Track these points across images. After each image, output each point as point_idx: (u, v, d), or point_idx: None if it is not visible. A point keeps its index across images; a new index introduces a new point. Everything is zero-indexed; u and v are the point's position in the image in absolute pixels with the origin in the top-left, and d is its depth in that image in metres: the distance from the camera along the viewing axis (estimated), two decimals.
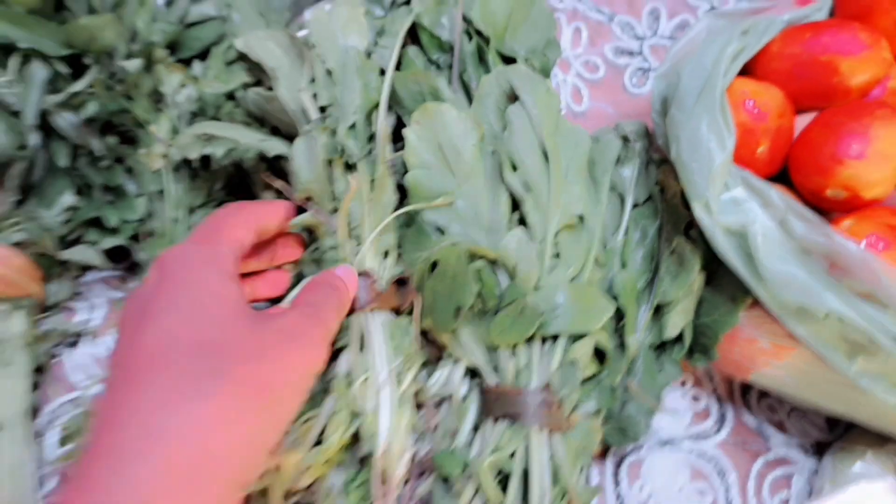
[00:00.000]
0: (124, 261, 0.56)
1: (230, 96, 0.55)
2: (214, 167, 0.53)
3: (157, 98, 0.53)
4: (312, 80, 0.44)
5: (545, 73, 0.56)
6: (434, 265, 0.45)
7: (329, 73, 0.43)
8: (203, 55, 0.58)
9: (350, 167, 0.45)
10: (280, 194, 0.51)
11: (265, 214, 0.42)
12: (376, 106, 0.46)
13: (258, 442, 0.32)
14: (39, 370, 0.51)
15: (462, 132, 0.48)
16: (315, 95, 0.45)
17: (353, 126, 0.44)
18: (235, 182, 0.56)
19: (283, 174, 0.52)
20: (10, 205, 0.50)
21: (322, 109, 0.45)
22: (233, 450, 0.30)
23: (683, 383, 0.56)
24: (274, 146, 0.47)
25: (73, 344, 0.54)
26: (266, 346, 0.33)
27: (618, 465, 0.53)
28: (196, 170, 0.53)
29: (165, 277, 0.34)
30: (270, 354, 0.33)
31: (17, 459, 0.47)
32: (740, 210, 0.45)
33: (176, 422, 0.29)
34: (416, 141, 0.47)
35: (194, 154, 0.48)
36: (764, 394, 0.56)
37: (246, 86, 0.56)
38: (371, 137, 0.46)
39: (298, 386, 0.35)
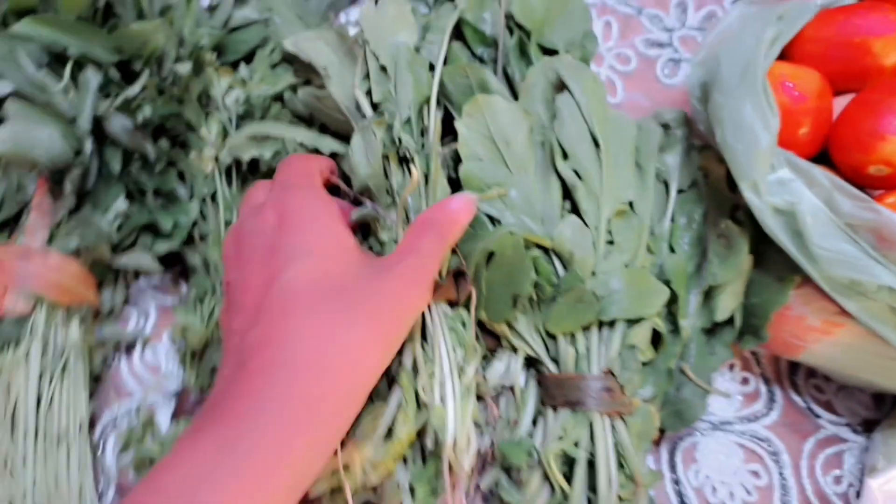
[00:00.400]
0: (174, 266, 0.56)
1: (276, 98, 0.56)
2: (263, 168, 0.54)
3: (206, 102, 0.54)
4: (366, 77, 0.45)
5: (585, 64, 0.57)
6: (490, 256, 0.46)
7: (383, 68, 0.44)
8: (247, 58, 0.59)
9: (405, 161, 0.45)
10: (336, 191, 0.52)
11: (327, 165, 0.47)
12: (427, 100, 0.47)
13: (380, 371, 0.37)
14: (96, 379, 0.52)
15: (512, 122, 0.49)
16: (369, 92, 0.45)
17: (407, 121, 0.44)
18: None
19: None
20: (65, 212, 0.50)
21: (374, 106, 0.45)
22: (372, 375, 0.36)
23: (731, 366, 0.57)
24: (328, 144, 0.48)
25: (128, 351, 0.55)
26: (386, 290, 0.37)
27: (672, 450, 0.54)
28: (246, 173, 0.54)
29: (290, 222, 0.38)
30: (391, 297, 0.37)
31: (80, 471, 0.47)
32: (787, 190, 0.46)
33: (332, 349, 0.34)
34: (467, 133, 0.48)
35: (247, 155, 0.49)
36: (811, 374, 0.56)
37: (292, 88, 0.57)
38: (423, 132, 0.47)
39: (409, 325, 0.40)
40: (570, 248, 0.46)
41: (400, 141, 0.44)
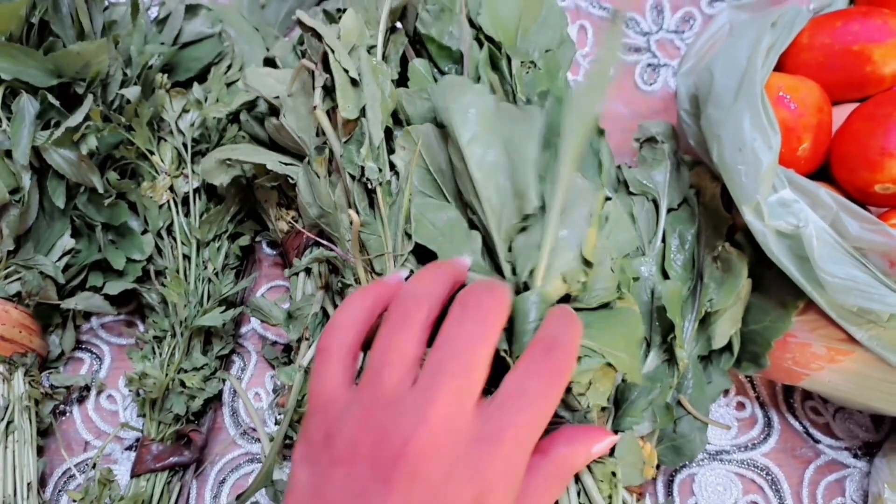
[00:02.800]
0: (127, 304, 0.52)
1: (232, 119, 0.52)
2: (221, 193, 0.50)
3: (157, 127, 0.50)
4: (331, 93, 0.40)
5: (561, 71, 0.54)
6: None
7: (353, 82, 0.39)
8: (200, 76, 0.55)
9: (369, 191, 0.41)
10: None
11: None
12: (391, 121, 0.43)
13: None
14: (44, 432, 0.47)
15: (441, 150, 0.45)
16: (330, 111, 0.41)
17: (372, 145, 0.40)
18: (246, 213, 0.53)
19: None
20: (3, 254, 0.45)
21: (347, 123, 0.41)
22: None
23: (726, 392, 0.54)
24: (295, 171, 0.44)
25: (80, 400, 0.50)
26: None
27: (669, 483, 0.51)
28: (206, 202, 0.50)
29: None
30: None
31: None
32: (790, 212, 0.43)
33: None
34: (403, 165, 0.43)
35: (219, 180, 0.45)
36: (807, 395, 0.54)
37: (248, 107, 0.53)
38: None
39: None
40: None
41: (363, 171, 0.40)
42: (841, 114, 0.48)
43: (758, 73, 0.45)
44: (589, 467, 0.39)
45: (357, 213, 0.40)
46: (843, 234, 0.41)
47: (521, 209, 0.38)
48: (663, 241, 0.50)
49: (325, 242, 0.41)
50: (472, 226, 0.41)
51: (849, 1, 0.54)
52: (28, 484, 0.42)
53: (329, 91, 0.41)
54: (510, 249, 0.39)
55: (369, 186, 0.40)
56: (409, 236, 0.40)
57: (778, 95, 0.47)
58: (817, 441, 0.52)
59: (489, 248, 0.40)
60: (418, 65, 0.48)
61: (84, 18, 0.48)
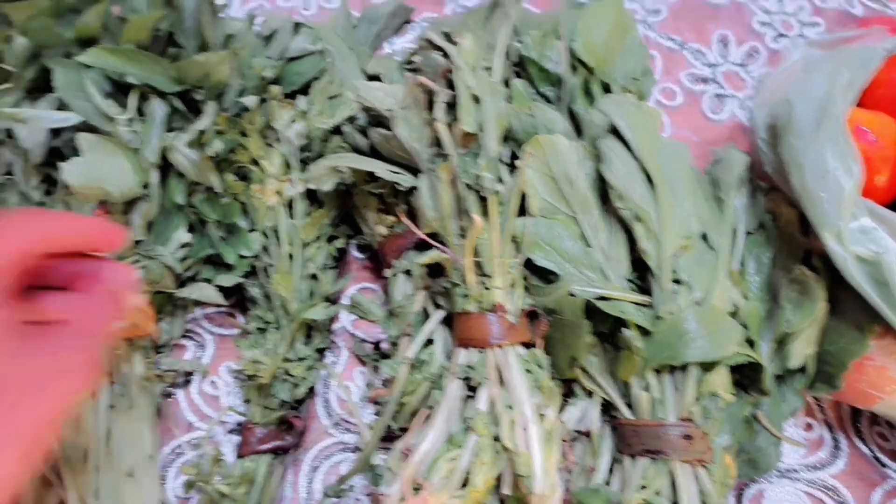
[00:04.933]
0: (230, 297, 0.55)
1: (333, 129, 0.56)
2: (320, 198, 0.54)
3: (265, 134, 0.54)
4: (450, 108, 0.44)
5: (642, 99, 0.57)
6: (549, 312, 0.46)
7: (475, 98, 0.43)
8: (302, 89, 0.59)
9: (483, 199, 0.45)
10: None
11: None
12: (505, 135, 0.46)
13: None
14: (156, 411, 0.50)
15: (575, 162, 0.49)
16: (450, 125, 0.44)
17: (489, 157, 0.44)
18: (341, 218, 0.56)
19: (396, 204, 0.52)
20: (129, 243, 0.49)
21: (464, 136, 0.44)
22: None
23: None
24: (406, 179, 0.48)
25: (186, 383, 0.53)
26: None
27: (739, 497, 0.53)
28: (308, 205, 0.53)
29: None
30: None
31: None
32: (870, 239, 0.45)
33: None
34: (530, 172, 0.48)
35: (327, 186, 0.48)
36: (874, 420, 0.55)
37: (349, 120, 0.56)
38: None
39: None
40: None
41: (478, 179, 0.44)
42: None
43: (838, 106, 0.47)
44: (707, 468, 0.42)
45: (472, 219, 0.43)
46: None
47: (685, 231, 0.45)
48: (742, 264, 0.52)
49: (438, 245, 0.45)
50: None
51: None
52: (150, 456, 0.45)
53: (448, 106, 0.45)
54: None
55: (483, 195, 0.43)
56: (517, 244, 0.44)
57: (856, 128, 0.49)
58: (885, 465, 0.54)
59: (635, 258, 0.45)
60: (519, 85, 0.52)
61: (209, 31, 0.52)
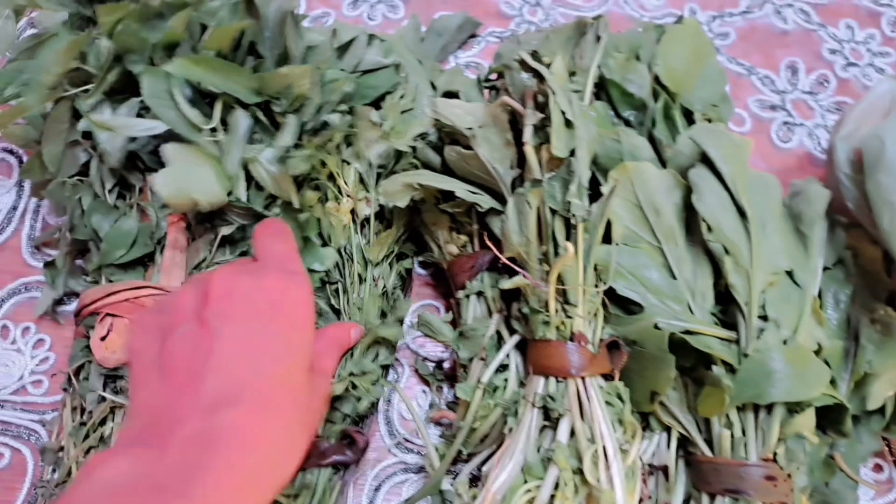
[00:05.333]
0: None
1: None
2: (388, 216, 0.53)
3: (340, 150, 0.53)
4: (543, 128, 0.43)
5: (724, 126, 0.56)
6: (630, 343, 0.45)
7: (568, 123, 0.42)
8: (374, 103, 0.58)
9: (570, 226, 0.44)
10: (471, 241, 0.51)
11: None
12: (593, 161, 0.46)
13: None
14: None
15: (662, 191, 0.48)
16: (539, 147, 0.44)
17: (580, 184, 0.43)
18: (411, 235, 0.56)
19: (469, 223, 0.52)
20: (208, 253, 0.49)
21: (551, 160, 0.44)
22: None
23: None
24: (485, 199, 0.47)
25: None
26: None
27: None
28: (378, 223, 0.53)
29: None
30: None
31: None
32: None
33: None
34: (614, 199, 0.47)
35: (400, 202, 0.48)
36: None
37: (421, 135, 0.56)
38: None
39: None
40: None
41: (568, 205, 0.43)
42: None
43: None
44: None
45: (556, 245, 0.42)
46: None
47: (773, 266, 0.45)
48: (820, 299, 0.51)
49: (521, 270, 0.44)
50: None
51: None
52: None
53: (536, 129, 0.44)
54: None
55: (572, 222, 0.43)
56: (598, 272, 0.43)
57: None
58: None
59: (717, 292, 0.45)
60: (600, 108, 0.51)
61: (292, 43, 0.52)
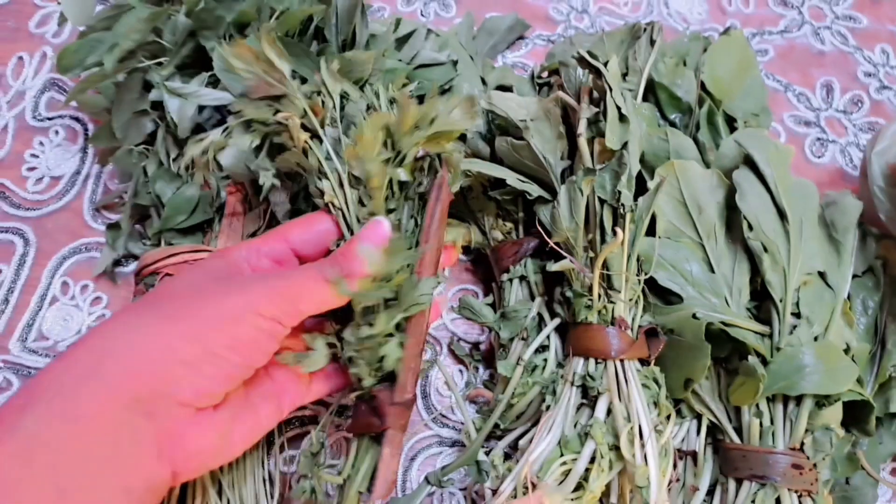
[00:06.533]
0: None
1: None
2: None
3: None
4: (596, 123, 0.45)
5: None
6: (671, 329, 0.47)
7: (623, 118, 0.45)
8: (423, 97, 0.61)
9: (618, 216, 0.46)
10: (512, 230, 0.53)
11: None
12: (642, 156, 0.48)
13: None
14: None
15: (707, 189, 0.50)
16: (591, 140, 0.46)
17: (630, 175, 0.45)
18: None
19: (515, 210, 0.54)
20: (262, 223, 0.52)
21: (602, 153, 0.46)
22: None
23: None
24: (534, 188, 0.49)
25: None
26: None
27: None
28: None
29: None
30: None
31: None
32: None
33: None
34: (660, 195, 0.49)
35: (454, 188, 0.50)
36: None
37: None
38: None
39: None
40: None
41: (618, 195, 0.45)
42: None
43: None
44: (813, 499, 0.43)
45: (602, 233, 0.45)
46: None
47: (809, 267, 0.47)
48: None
49: (568, 255, 0.46)
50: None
51: None
52: None
53: (589, 122, 0.46)
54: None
55: (620, 212, 0.45)
56: (642, 265, 0.46)
57: None
58: None
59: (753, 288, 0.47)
60: (646, 109, 0.53)
61: (360, 30, 0.55)
